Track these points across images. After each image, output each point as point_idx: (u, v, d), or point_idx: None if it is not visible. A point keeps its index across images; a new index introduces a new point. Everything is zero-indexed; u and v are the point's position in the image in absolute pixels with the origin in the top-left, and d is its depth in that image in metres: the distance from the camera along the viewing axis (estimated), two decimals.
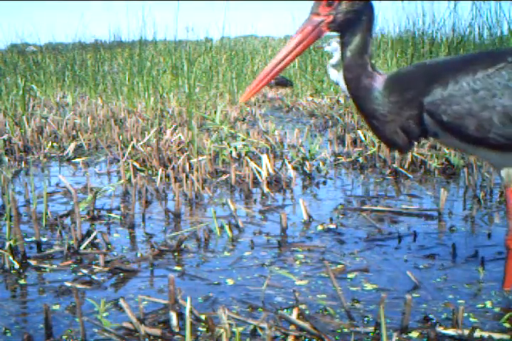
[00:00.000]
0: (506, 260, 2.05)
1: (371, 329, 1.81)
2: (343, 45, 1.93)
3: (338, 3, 1.86)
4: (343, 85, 5.49)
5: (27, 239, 2.66)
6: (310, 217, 3.00)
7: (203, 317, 1.85)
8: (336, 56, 4.89)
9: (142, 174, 3.99)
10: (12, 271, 2.35)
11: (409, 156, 4.03)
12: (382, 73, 1.96)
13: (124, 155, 4.33)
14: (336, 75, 5.33)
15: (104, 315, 1.93)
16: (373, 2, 1.92)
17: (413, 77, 1.94)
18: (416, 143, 1.99)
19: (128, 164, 3.95)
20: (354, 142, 4.81)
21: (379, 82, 1.92)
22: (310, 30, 1.90)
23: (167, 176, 3.82)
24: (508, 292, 2.07)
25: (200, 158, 4.14)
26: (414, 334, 1.78)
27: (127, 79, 7.97)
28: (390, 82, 1.93)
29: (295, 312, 1.82)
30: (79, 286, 2.19)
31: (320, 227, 2.86)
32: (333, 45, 5.08)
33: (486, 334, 1.74)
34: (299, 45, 1.92)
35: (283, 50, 1.94)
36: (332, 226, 2.84)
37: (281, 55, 1.93)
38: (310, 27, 1.90)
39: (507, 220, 2.01)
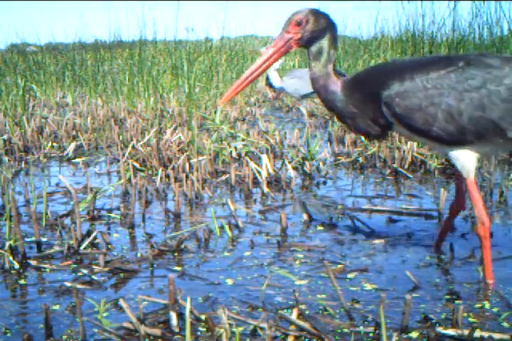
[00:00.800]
0: (481, 250, 2.14)
1: (371, 329, 1.81)
2: (310, 59, 2.23)
3: (306, 23, 2.17)
4: (288, 91, 5.41)
5: (27, 239, 2.66)
6: (310, 216, 3.00)
7: (203, 317, 1.85)
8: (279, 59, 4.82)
9: (142, 174, 3.99)
10: (12, 271, 2.35)
11: (409, 156, 4.03)
12: (344, 77, 2.27)
13: (124, 155, 4.33)
14: (279, 81, 5.37)
15: (104, 315, 1.93)
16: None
17: (373, 75, 2.22)
18: (390, 132, 2.24)
19: (128, 164, 3.95)
20: (354, 142, 4.81)
21: (342, 86, 2.21)
22: (281, 45, 2.22)
23: (167, 176, 3.82)
24: (491, 284, 2.14)
25: (200, 158, 4.14)
26: (414, 335, 1.78)
27: (127, 79, 7.97)
28: (350, 83, 2.22)
29: (295, 312, 1.82)
30: (79, 286, 2.19)
31: (320, 227, 2.86)
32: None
33: (485, 334, 1.74)
34: (270, 57, 2.24)
35: (258, 60, 2.27)
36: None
37: (256, 64, 2.25)
38: (281, 43, 2.22)
39: (473, 209, 2.19)
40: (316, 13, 2.21)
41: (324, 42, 2.20)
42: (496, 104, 1.98)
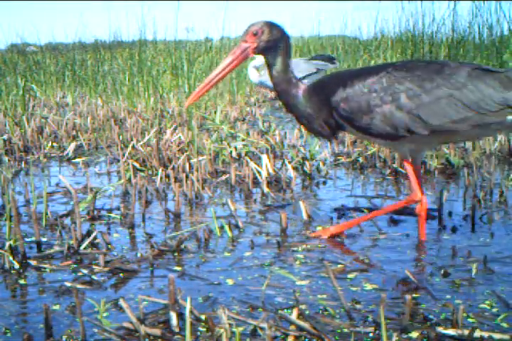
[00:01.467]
0: (418, 219, 2.61)
1: (371, 329, 1.81)
2: (269, 66, 2.51)
3: (261, 34, 2.44)
4: (267, 84, 5.29)
5: (27, 239, 2.66)
6: (310, 217, 3.00)
7: (203, 317, 1.85)
8: (260, 58, 5.04)
9: (142, 174, 3.99)
10: (12, 271, 2.35)
11: None
12: (304, 83, 2.55)
13: (124, 155, 4.33)
14: (257, 76, 5.42)
15: (104, 315, 1.93)
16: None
17: (327, 83, 2.51)
18: (339, 133, 2.57)
19: (128, 164, 3.95)
20: (354, 142, 4.81)
21: (303, 90, 2.50)
22: (239, 53, 2.50)
23: (167, 176, 3.82)
24: (423, 242, 2.56)
25: (200, 158, 4.14)
26: (414, 335, 1.78)
27: (127, 79, 7.97)
28: (311, 88, 2.51)
29: (295, 312, 1.82)
30: (79, 286, 2.19)
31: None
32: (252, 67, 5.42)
33: (485, 335, 1.74)
34: (230, 64, 2.52)
35: (219, 66, 2.55)
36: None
37: (218, 69, 2.54)
38: (239, 51, 2.50)
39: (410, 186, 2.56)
40: (271, 25, 2.48)
41: (279, 51, 2.47)
42: (418, 103, 2.29)
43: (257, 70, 5.25)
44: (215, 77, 2.53)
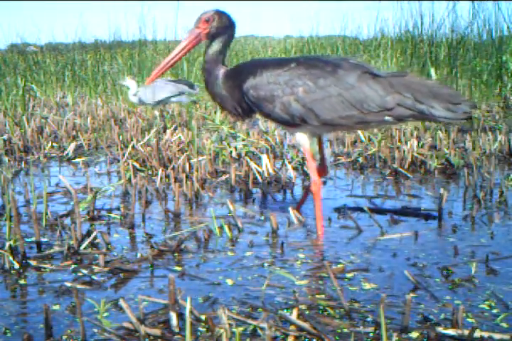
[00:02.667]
0: (315, 206, 2.75)
1: (371, 329, 1.81)
2: (207, 47, 2.76)
3: (212, 21, 2.70)
4: (144, 100, 5.85)
5: (27, 239, 2.66)
6: (310, 217, 3.00)
7: (203, 317, 1.85)
8: (133, 88, 5.91)
9: (142, 174, 3.99)
10: (12, 271, 2.35)
11: (409, 156, 4.03)
12: (227, 67, 2.77)
13: (124, 155, 4.33)
14: (136, 99, 6.02)
15: (104, 315, 1.93)
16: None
17: (243, 70, 2.75)
18: (251, 114, 2.81)
19: (128, 164, 3.95)
20: (354, 142, 4.81)
21: (223, 73, 2.74)
22: (193, 38, 2.75)
23: (167, 176, 3.82)
24: (321, 236, 2.72)
25: (200, 158, 4.14)
26: (414, 335, 1.78)
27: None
28: (229, 73, 2.75)
29: (295, 312, 1.82)
30: (79, 286, 2.19)
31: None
32: (128, 81, 6.03)
33: (485, 335, 1.74)
34: (185, 48, 2.78)
35: (175, 49, 2.79)
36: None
37: (174, 53, 2.79)
38: (193, 36, 2.75)
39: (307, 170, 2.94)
40: (221, 14, 2.73)
41: (225, 37, 2.74)
42: (312, 98, 2.58)
43: (134, 95, 5.99)
44: (172, 60, 2.80)
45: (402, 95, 2.51)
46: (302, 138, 2.71)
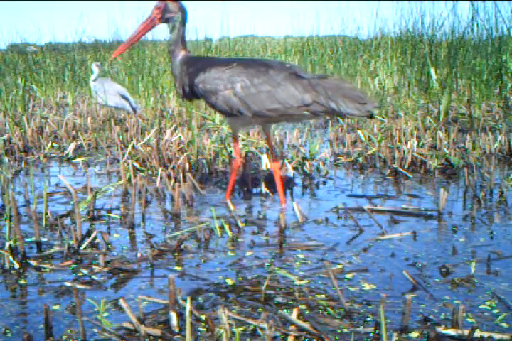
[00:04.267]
0: (229, 179, 3.29)
1: (371, 329, 1.81)
2: (170, 31, 3.24)
3: (164, 7, 3.20)
4: (97, 92, 6.26)
5: (27, 239, 2.66)
6: (310, 217, 2.99)
7: (203, 317, 1.85)
8: (95, 74, 6.38)
9: (142, 174, 3.99)
10: (12, 271, 2.35)
11: (409, 156, 4.03)
12: (187, 51, 3.26)
13: (124, 155, 4.33)
14: (92, 86, 6.41)
15: (104, 315, 1.93)
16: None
17: (197, 63, 3.18)
18: (195, 99, 3.31)
19: (128, 164, 3.95)
20: (354, 142, 4.81)
21: (182, 56, 3.23)
22: (149, 22, 3.27)
23: (167, 176, 3.82)
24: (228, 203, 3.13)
25: (200, 158, 4.14)
26: (414, 335, 1.78)
27: (127, 79, 7.97)
28: (189, 60, 3.22)
29: (295, 312, 1.82)
30: (79, 286, 2.19)
31: (320, 227, 2.86)
32: (93, 66, 6.47)
33: (485, 335, 1.74)
34: (142, 30, 3.29)
35: (135, 30, 3.31)
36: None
37: (134, 33, 3.31)
38: (149, 20, 3.26)
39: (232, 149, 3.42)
40: (171, 1, 3.21)
41: (177, 21, 3.21)
42: (247, 92, 2.97)
43: (93, 81, 6.41)
44: (133, 39, 3.33)
45: (319, 94, 2.88)
46: (237, 126, 3.19)
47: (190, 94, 3.23)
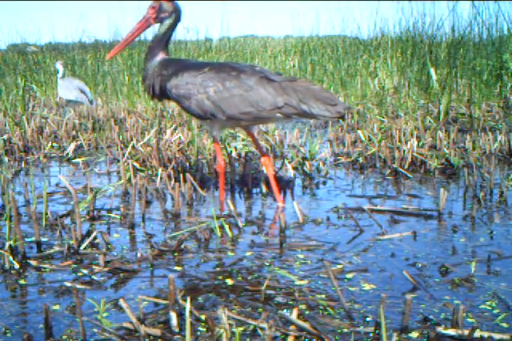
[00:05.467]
0: (219, 183, 3.33)
1: (371, 329, 1.81)
2: (159, 28, 3.25)
3: (158, 7, 3.22)
4: (59, 88, 6.83)
5: (27, 239, 2.66)
6: (310, 217, 2.99)
7: (203, 317, 1.85)
8: (60, 72, 6.90)
9: (142, 174, 3.99)
10: (12, 271, 2.35)
11: (409, 156, 4.03)
12: (167, 54, 3.28)
13: (124, 155, 4.33)
14: (59, 85, 6.88)
15: (104, 315, 1.93)
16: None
17: (172, 65, 3.21)
18: (163, 100, 3.37)
19: (128, 164, 3.95)
20: (354, 142, 4.81)
21: (161, 58, 3.25)
22: (144, 21, 3.28)
23: (167, 176, 3.82)
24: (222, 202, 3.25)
25: (200, 158, 4.14)
26: (414, 335, 1.78)
27: (127, 79, 7.97)
28: (165, 63, 3.23)
29: (295, 312, 1.82)
30: (79, 286, 2.19)
31: (320, 227, 2.86)
32: (58, 65, 6.97)
33: (485, 335, 1.74)
34: (138, 29, 3.31)
35: (130, 31, 3.33)
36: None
37: (129, 33, 3.33)
38: (144, 20, 3.28)
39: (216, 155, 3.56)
40: (166, 1, 3.22)
41: (170, 20, 3.24)
42: (220, 96, 3.02)
43: (61, 79, 6.90)
44: (129, 38, 3.34)
45: (290, 97, 2.92)
46: (214, 131, 3.21)
47: (160, 94, 3.26)
